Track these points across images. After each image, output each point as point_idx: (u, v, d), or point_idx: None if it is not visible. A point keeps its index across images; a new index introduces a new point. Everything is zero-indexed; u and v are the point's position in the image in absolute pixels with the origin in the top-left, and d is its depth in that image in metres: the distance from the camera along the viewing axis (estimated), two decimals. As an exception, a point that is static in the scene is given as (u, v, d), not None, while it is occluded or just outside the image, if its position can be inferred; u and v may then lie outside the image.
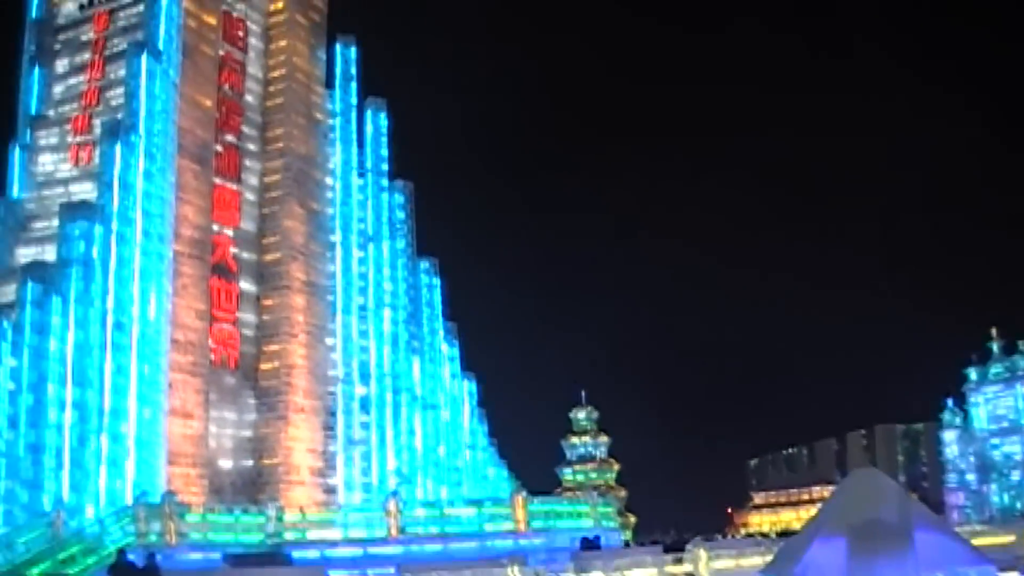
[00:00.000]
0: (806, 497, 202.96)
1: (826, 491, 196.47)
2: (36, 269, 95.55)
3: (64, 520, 77.10)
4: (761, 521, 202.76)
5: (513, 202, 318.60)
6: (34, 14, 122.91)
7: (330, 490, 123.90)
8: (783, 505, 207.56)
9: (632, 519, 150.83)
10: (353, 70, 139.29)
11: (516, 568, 41.65)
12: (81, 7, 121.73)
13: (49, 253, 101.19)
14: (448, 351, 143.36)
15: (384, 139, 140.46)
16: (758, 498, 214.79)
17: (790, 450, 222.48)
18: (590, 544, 61.40)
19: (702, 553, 50.53)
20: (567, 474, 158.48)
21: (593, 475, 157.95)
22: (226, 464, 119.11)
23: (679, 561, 50.27)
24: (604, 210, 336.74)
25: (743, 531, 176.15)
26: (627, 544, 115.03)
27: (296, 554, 77.01)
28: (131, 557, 44.12)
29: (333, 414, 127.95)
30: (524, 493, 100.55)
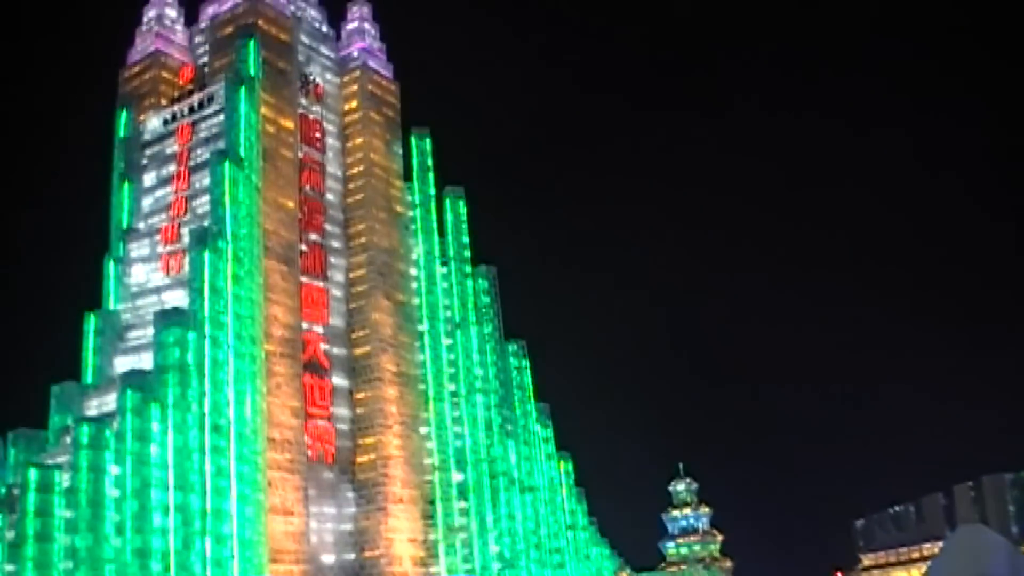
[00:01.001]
0: (916, 555, 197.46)
1: (936, 548, 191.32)
2: (134, 378, 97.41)
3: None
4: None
5: (594, 278, 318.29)
6: (122, 133, 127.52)
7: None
8: (893, 565, 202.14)
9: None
10: (429, 161, 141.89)
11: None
12: (165, 122, 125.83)
13: (146, 361, 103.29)
14: (542, 432, 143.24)
15: (464, 226, 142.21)
16: (867, 559, 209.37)
17: (896, 508, 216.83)
18: None
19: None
20: (670, 548, 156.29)
21: (697, 547, 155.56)
22: (328, 559, 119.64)
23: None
24: (687, 284, 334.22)
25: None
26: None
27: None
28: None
29: (432, 502, 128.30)
30: (628, 570, 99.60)
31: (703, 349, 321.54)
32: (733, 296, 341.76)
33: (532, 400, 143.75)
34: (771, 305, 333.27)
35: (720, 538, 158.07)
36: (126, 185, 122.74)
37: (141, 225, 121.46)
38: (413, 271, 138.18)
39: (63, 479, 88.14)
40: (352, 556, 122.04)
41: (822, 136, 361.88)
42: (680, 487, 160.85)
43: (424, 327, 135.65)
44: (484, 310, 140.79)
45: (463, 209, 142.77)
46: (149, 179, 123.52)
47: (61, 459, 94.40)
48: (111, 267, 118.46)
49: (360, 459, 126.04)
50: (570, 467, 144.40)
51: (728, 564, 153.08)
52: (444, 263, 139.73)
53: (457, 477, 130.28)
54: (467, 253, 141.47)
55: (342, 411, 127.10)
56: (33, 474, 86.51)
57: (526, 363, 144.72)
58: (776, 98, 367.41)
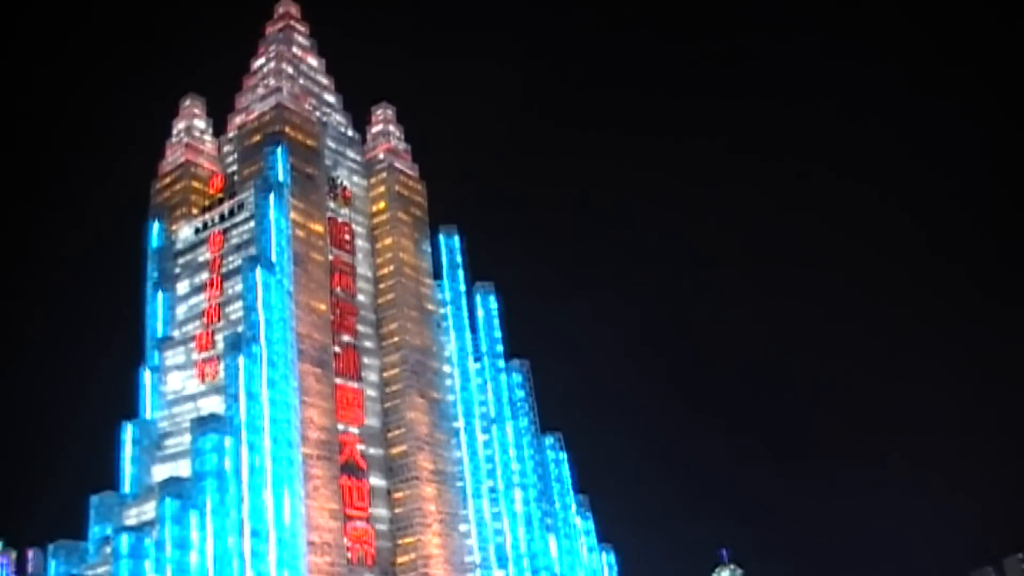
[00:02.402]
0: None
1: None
2: (172, 485, 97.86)
3: None
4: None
5: (627, 366, 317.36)
6: (155, 243, 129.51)
7: None
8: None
9: None
10: (458, 258, 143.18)
11: None
12: (196, 230, 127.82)
13: (183, 468, 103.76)
14: (582, 524, 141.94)
15: (496, 321, 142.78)
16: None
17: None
18: None
19: None
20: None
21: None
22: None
23: None
24: (726, 369, 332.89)
25: None
26: None
27: None
28: None
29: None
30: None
31: (743, 432, 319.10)
32: (770, 374, 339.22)
33: (571, 492, 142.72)
34: (809, 377, 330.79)
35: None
36: (160, 294, 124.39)
37: (176, 333, 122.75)
38: (447, 368, 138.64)
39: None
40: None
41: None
42: (725, 574, 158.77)
43: (460, 424, 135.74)
44: (519, 404, 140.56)
45: (494, 304, 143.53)
46: (182, 287, 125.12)
47: (101, 570, 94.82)
48: (147, 376, 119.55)
49: (400, 559, 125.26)
50: (612, 559, 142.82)
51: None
52: (477, 359, 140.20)
53: (499, 574, 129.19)
54: (500, 348, 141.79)
55: (380, 511, 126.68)
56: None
57: (564, 455, 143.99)
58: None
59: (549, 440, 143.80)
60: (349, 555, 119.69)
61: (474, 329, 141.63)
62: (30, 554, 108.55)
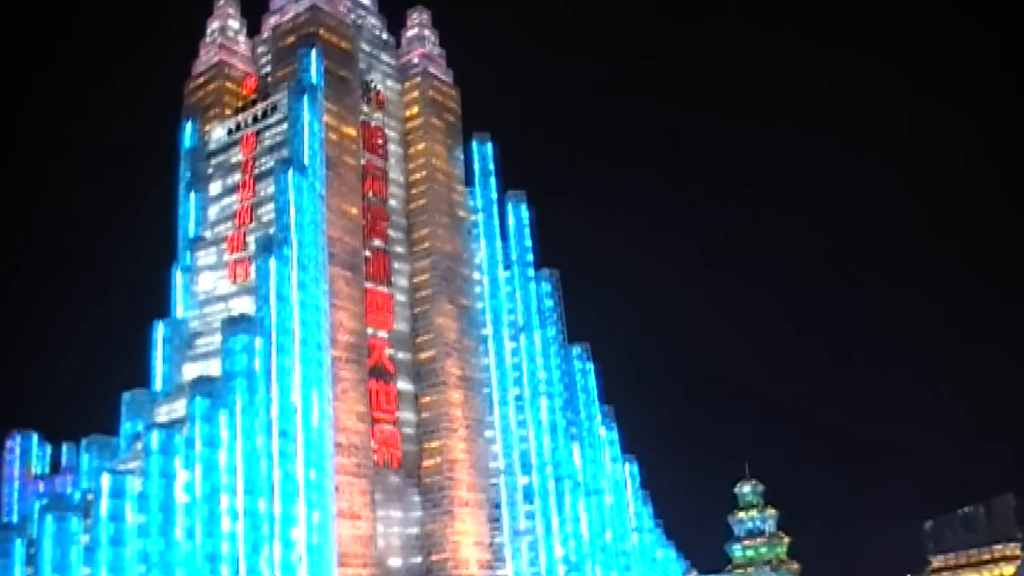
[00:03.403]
0: (987, 557, 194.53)
1: (1007, 550, 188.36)
2: (202, 384, 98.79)
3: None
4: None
5: (657, 279, 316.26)
6: (187, 144, 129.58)
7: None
8: (963, 567, 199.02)
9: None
10: (491, 166, 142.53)
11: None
12: (229, 132, 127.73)
13: (214, 368, 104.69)
14: (607, 435, 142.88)
15: (527, 230, 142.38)
16: (936, 562, 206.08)
17: (966, 509, 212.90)
18: None
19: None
20: (736, 551, 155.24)
21: (763, 550, 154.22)
22: (396, 563, 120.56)
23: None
24: (751, 282, 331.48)
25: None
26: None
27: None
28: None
29: (497, 506, 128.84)
30: (695, 573, 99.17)
31: (768, 349, 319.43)
32: (796, 293, 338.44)
33: (597, 403, 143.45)
34: (836, 299, 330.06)
35: (787, 540, 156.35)
36: (192, 195, 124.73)
37: (208, 234, 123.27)
38: (476, 275, 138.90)
39: (135, 485, 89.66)
40: (419, 559, 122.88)
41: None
42: (746, 489, 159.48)
43: (488, 331, 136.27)
44: (548, 313, 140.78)
45: (525, 213, 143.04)
46: (215, 188, 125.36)
47: (133, 465, 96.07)
48: (178, 276, 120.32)
49: (426, 463, 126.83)
50: (635, 470, 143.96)
51: (795, 567, 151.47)
52: (507, 267, 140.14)
53: (523, 481, 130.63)
54: (530, 257, 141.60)
55: (407, 416, 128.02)
56: (106, 480, 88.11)
57: (590, 366, 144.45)
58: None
59: (576, 350, 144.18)
60: (375, 457, 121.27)
61: (505, 238, 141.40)
62: (64, 448, 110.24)
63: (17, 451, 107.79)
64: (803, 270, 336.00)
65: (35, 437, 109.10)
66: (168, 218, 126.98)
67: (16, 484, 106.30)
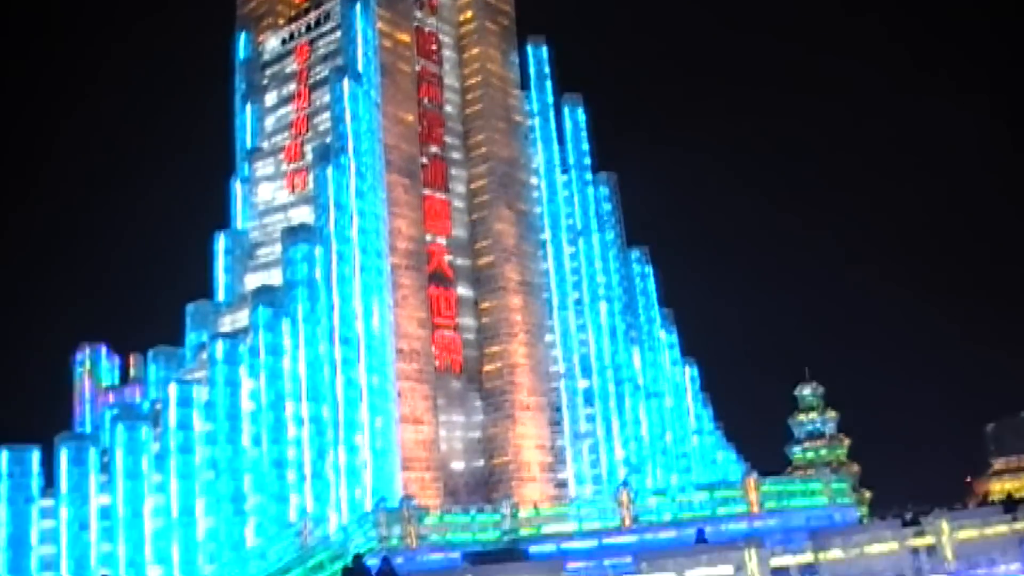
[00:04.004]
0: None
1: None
2: (264, 294, 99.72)
3: (311, 529, 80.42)
4: (1003, 488, 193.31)
5: (717, 181, 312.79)
6: (241, 55, 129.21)
7: (561, 484, 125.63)
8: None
9: (867, 494, 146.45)
10: (546, 69, 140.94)
11: (752, 551, 41.37)
12: (283, 41, 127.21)
13: (275, 278, 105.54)
14: (666, 338, 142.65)
15: (583, 134, 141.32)
16: (998, 464, 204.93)
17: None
18: (702, 538, 60.02)
19: (944, 525, 48.76)
20: (796, 453, 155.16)
21: (823, 452, 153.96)
22: (458, 466, 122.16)
23: (920, 534, 48.51)
24: (814, 183, 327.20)
25: (983, 499, 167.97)
26: (863, 520, 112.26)
27: (533, 549, 78.36)
28: (370, 562, 46.03)
29: (558, 409, 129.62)
30: (755, 475, 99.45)
31: (830, 250, 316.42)
32: (859, 196, 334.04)
33: (656, 306, 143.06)
34: (895, 203, 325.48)
35: (847, 442, 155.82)
36: (248, 106, 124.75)
37: (265, 144, 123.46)
38: (534, 180, 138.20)
39: (201, 394, 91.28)
40: (481, 463, 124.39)
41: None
42: (806, 391, 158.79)
43: (547, 236, 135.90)
44: (606, 217, 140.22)
45: (582, 117, 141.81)
46: (270, 99, 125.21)
47: (198, 374, 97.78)
48: (238, 187, 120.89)
49: (487, 368, 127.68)
50: (695, 373, 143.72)
51: (855, 469, 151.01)
52: (564, 171, 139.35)
53: (583, 384, 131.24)
54: (587, 161, 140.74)
55: (468, 321, 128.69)
56: (173, 390, 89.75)
57: (649, 269, 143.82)
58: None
59: (635, 254, 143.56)
60: (436, 363, 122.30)
61: (561, 141, 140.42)
62: (132, 359, 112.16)
63: (87, 364, 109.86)
64: (870, 172, 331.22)
65: (103, 349, 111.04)
66: (226, 130, 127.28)
67: (87, 395, 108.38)
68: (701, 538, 59.80)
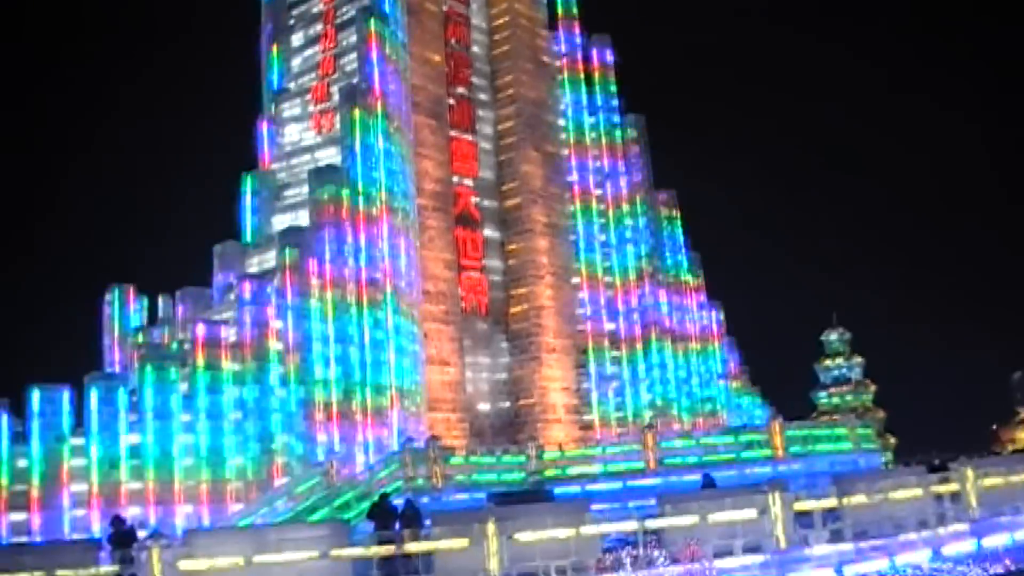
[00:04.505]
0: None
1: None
2: (291, 235, 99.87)
3: (337, 469, 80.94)
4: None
5: (746, 125, 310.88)
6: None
7: (586, 426, 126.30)
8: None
9: (892, 441, 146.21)
10: (574, 10, 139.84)
11: (777, 495, 41.28)
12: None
13: (302, 219, 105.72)
14: (693, 282, 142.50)
15: (612, 75, 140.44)
16: None
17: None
18: (709, 482, 59.71)
19: (969, 472, 48.49)
20: (822, 398, 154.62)
21: (849, 398, 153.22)
22: (484, 407, 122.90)
23: (945, 480, 48.28)
24: (843, 126, 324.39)
25: (1010, 447, 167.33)
26: (887, 466, 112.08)
27: (557, 490, 78.59)
28: (396, 502, 46.20)
29: (584, 352, 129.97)
30: (780, 419, 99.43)
31: (857, 196, 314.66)
32: (890, 137, 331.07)
33: (683, 250, 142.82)
34: (932, 144, 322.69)
35: (873, 388, 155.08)
36: (275, 46, 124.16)
37: (291, 86, 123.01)
38: (561, 122, 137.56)
39: (229, 334, 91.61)
40: (506, 404, 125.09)
41: None
42: (833, 336, 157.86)
43: (574, 178, 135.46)
44: (633, 160, 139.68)
45: (610, 58, 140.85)
46: (297, 40, 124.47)
47: (226, 315, 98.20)
48: (264, 128, 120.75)
49: (513, 310, 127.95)
50: (722, 317, 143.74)
51: (881, 415, 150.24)
52: (592, 113, 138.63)
53: (609, 327, 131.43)
54: (615, 103, 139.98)
55: (494, 263, 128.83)
56: (201, 330, 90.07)
57: (677, 213, 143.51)
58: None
59: (662, 196, 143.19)
60: (463, 304, 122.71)
61: (589, 83, 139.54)
62: (160, 300, 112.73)
63: (115, 304, 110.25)
64: (901, 111, 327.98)
65: (131, 291, 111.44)
66: (253, 71, 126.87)
67: (116, 336, 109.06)
68: (709, 482, 59.61)
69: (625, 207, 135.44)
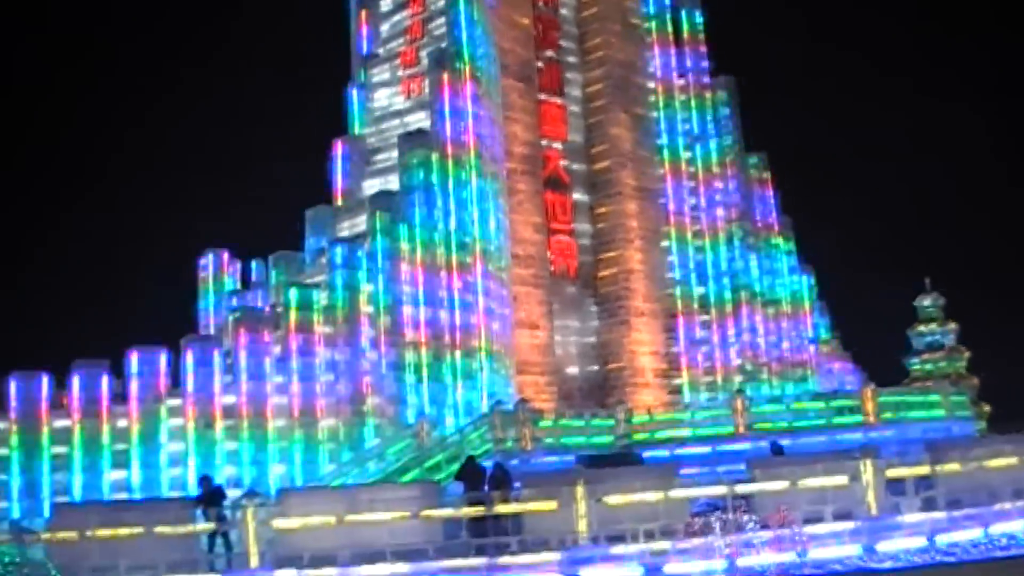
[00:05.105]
0: None
1: None
2: (382, 199, 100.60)
3: (427, 431, 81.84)
4: None
5: (840, 86, 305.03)
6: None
7: (675, 391, 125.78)
8: None
9: (986, 409, 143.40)
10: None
11: (868, 461, 41.04)
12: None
13: (392, 183, 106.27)
14: (784, 245, 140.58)
15: (701, 36, 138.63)
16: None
17: None
18: (777, 450, 58.77)
19: (1069, 439, 47.58)
20: (914, 364, 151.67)
21: (942, 364, 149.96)
22: (572, 371, 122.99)
23: (1041, 448, 47.39)
24: (943, 88, 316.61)
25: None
26: (981, 434, 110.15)
27: (646, 454, 78.78)
28: (485, 463, 46.72)
29: (673, 316, 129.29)
30: (872, 385, 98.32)
31: (956, 156, 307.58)
32: (990, 101, 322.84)
33: (774, 213, 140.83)
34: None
35: (967, 355, 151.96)
36: (363, 12, 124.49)
37: (381, 51, 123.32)
38: (651, 84, 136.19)
39: (321, 298, 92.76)
40: (595, 368, 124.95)
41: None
42: (926, 302, 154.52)
43: (663, 141, 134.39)
44: (724, 122, 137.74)
45: (700, 19, 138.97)
46: (385, 4, 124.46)
47: (318, 278, 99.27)
48: (355, 94, 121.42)
49: (602, 273, 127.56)
50: (813, 281, 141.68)
51: (975, 382, 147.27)
52: (682, 75, 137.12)
53: (699, 291, 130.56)
54: (705, 64, 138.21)
55: (583, 226, 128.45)
56: (293, 293, 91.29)
57: (768, 175, 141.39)
58: None
59: (753, 159, 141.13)
60: (552, 267, 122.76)
61: (678, 44, 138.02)
62: (253, 264, 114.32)
63: (210, 268, 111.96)
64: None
65: (226, 255, 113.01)
66: (342, 38, 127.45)
67: (211, 300, 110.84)
68: (777, 450, 58.97)
69: (715, 169, 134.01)
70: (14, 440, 77.97)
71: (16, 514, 71.62)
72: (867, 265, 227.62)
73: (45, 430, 78.96)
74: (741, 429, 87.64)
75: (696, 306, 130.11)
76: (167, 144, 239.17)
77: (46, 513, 61.85)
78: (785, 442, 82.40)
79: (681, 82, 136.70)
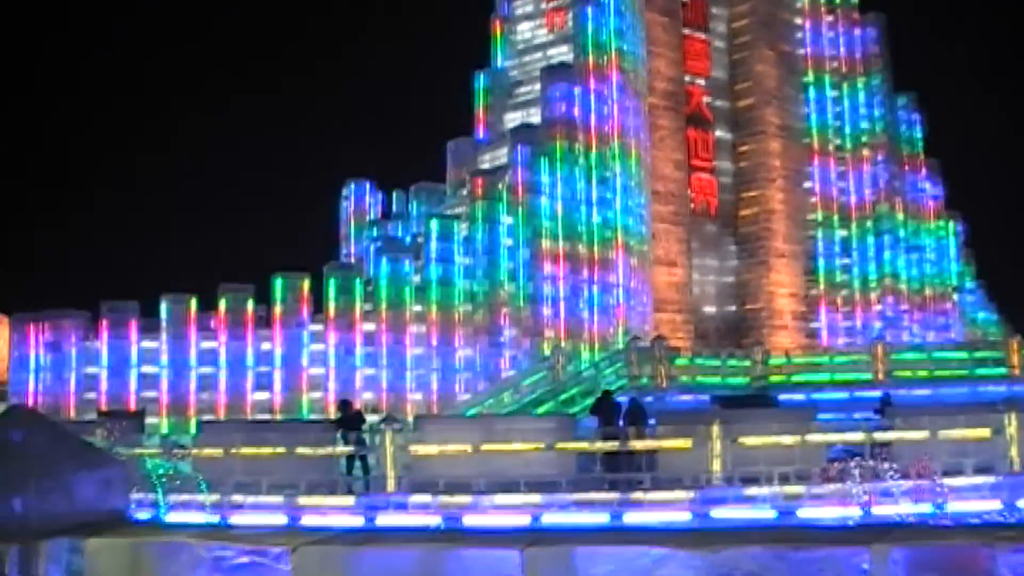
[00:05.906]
0: None
1: None
2: (523, 132, 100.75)
3: (563, 364, 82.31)
4: None
5: (996, 25, 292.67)
6: None
7: (813, 334, 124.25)
8: None
9: None
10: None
11: (1013, 415, 40.09)
12: None
13: (534, 116, 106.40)
14: (931, 190, 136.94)
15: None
16: None
17: None
18: (887, 401, 56.83)
19: None
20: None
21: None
22: (709, 310, 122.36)
23: None
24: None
25: None
26: None
27: (782, 397, 78.08)
28: (620, 398, 47.03)
29: (814, 258, 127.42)
30: (1018, 337, 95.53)
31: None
32: None
33: (922, 156, 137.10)
34: None
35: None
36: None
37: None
38: (797, 20, 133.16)
39: (461, 229, 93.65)
40: (732, 308, 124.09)
41: None
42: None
43: (809, 79, 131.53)
44: (872, 60, 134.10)
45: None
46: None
47: (459, 210, 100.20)
48: (497, 26, 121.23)
49: (742, 213, 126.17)
50: (959, 228, 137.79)
51: None
52: (830, 11, 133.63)
53: (841, 233, 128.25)
54: (854, 0, 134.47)
55: (724, 164, 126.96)
56: (434, 224, 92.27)
57: (916, 117, 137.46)
58: None
59: (902, 100, 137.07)
60: (692, 205, 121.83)
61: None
62: (395, 196, 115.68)
63: (352, 199, 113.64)
64: None
65: (368, 185, 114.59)
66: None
67: (352, 229, 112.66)
68: (887, 401, 57.52)
69: (862, 110, 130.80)
70: (164, 359, 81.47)
71: (166, 430, 74.79)
72: (1017, 212, 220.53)
73: (193, 351, 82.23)
74: (880, 376, 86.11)
75: (837, 249, 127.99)
76: (315, 77, 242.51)
77: (192, 431, 64.40)
78: (925, 391, 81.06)
79: (829, 18, 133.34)
